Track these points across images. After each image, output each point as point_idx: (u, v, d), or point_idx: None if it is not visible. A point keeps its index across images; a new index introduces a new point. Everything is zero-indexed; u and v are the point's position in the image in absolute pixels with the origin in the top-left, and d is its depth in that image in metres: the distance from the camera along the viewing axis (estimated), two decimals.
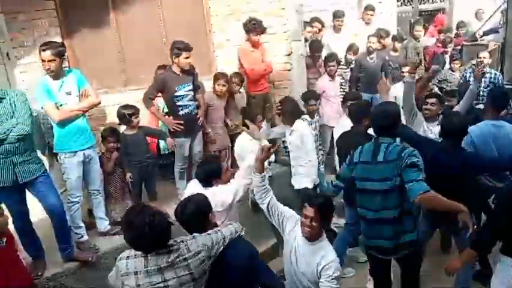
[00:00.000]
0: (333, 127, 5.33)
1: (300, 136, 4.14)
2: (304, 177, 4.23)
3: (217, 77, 4.93)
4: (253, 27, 5.09)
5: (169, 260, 2.21)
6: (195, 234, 2.39)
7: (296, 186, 4.32)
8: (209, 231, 2.44)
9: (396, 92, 5.22)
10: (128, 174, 4.26)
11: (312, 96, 5.09)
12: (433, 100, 4.10)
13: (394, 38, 6.76)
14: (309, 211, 2.64)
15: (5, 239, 2.94)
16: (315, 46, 6.09)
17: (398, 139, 3.28)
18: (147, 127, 4.61)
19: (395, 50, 6.70)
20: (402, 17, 9.14)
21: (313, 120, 5.10)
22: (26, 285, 3.08)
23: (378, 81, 4.84)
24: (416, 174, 2.76)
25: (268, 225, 5.04)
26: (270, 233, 5.04)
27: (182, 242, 2.30)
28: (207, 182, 3.19)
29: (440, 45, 7.50)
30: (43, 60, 3.55)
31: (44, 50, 3.52)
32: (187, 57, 4.30)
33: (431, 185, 2.76)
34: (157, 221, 2.16)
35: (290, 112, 4.22)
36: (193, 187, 3.22)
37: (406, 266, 3.12)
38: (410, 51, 7.01)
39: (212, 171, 3.22)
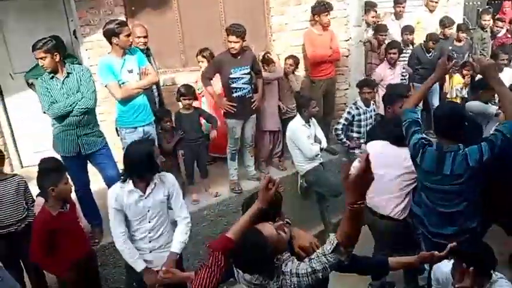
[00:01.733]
0: None
1: None
2: None
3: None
4: (323, 8, 5.06)
5: None
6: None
7: None
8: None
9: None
10: (181, 152, 4.37)
11: (366, 83, 4.96)
12: None
13: (459, 28, 6.41)
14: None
15: (68, 205, 3.13)
16: (381, 30, 5.93)
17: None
18: (202, 109, 4.70)
19: (459, 40, 6.37)
20: (470, 5, 8.63)
21: (368, 109, 4.99)
22: (85, 251, 3.27)
23: None
24: (497, 133, 2.62)
25: (317, 212, 5.06)
26: (317, 219, 5.04)
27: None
28: None
29: (510, 35, 7.03)
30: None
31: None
32: (233, 41, 4.24)
33: None
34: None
35: None
36: None
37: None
38: (476, 41, 6.63)
39: None
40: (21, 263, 3.53)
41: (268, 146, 5.02)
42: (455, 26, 6.41)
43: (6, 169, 4.13)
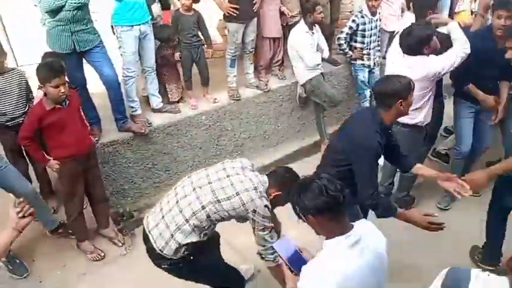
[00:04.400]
0: (392, 32, 5.02)
1: None
2: None
3: None
4: None
5: None
6: None
7: None
8: None
9: None
10: (177, 54, 4.27)
11: None
12: None
13: None
14: None
15: (68, 102, 3.13)
16: None
17: None
18: (202, 17, 4.47)
19: None
20: None
21: (374, 18, 4.81)
22: (84, 147, 3.33)
23: None
24: None
25: (313, 122, 5.11)
26: (313, 129, 5.11)
27: None
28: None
29: None
30: None
31: None
32: None
33: None
34: None
35: None
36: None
37: None
38: None
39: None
40: (27, 158, 3.63)
41: (269, 54, 4.89)
42: None
43: None
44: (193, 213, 2.30)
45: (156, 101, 4.25)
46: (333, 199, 1.63)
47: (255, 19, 4.49)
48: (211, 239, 2.56)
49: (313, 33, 4.56)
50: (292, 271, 1.83)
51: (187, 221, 2.31)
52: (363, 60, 4.99)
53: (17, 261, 3.35)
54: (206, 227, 2.35)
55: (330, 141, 3.26)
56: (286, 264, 1.89)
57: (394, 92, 2.49)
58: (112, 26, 3.91)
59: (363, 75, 5.05)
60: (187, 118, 4.30)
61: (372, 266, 1.68)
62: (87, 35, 3.53)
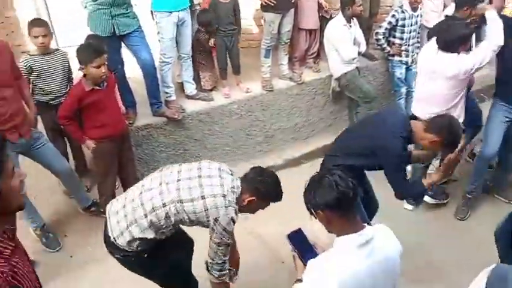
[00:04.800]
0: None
1: None
2: None
3: None
4: None
5: None
6: None
7: None
8: None
9: None
10: (212, 40, 4.29)
11: None
12: None
13: None
14: None
15: (105, 83, 3.21)
16: None
17: None
18: (239, 5, 4.47)
19: None
20: None
21: (415, 14, 4.68)
22: (120, 129, 3.41)
23: None
24: None
25: (345, 118, 5.05)
26: (345, 125, 5.04)
27: None
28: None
29: None
30: None
31: None
32: None
33: None
34: None
35: None
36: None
37: None
38: None
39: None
40: (65, 138, 3.76)
41: (304, 46, 4.85)
42: None
43: None
44: (153, 208, 2.16)
45: (191, 88, 4.30)
46: (343, 195, 1.59)
47: (292, 10, 4.45)
48: (178, 243, 2.47)
49: (350, 26, 4.48)
50: (305, 264, 1.82)
51: (145, 215, 2.16)
52: (400, 56, 4.86)
53: (51, 235, 3.48)
54: (164, 226, 2.19)
55: (349, 130, 3.19)
56: (299, 256, 1.87)
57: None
58: (151, 11, 3.97)
59: (400, 72, 4.93)
60: (220, 106, 4.33)
61: (381, 268, 1.63)
62: (127, 19, 3.60)
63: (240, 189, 2.20)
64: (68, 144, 3.81)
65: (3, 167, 1.25)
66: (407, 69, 4.94)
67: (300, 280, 1.71)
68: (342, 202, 1.59)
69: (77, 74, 3.46)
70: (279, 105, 4.69)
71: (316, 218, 1.68)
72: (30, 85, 3.42)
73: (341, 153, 2.71)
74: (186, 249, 2.62)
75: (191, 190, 2.14)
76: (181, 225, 2.35)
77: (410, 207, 3.91)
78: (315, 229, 1.84)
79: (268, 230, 3.44)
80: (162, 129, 4.04)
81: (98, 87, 3.16)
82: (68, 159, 3.68)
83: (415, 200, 3.77)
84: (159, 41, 3.98)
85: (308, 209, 1.70)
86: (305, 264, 1.72)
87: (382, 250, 1.64)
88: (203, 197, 2.12)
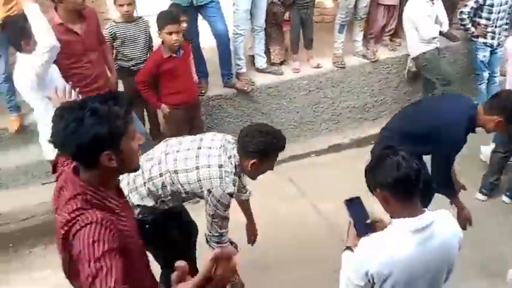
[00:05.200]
0: None
1: None
2: None
3: None
4: None
5: None
6: None
7: None
8: None
9: None
10: (287, 13, 4.26)
11: None
12: None
13: None
14: None
15: (181, 52, 3.33)
16: None
17: None
18: None
19: None
20: None
21: None
22: (192, 97, 3.54)
23: None
24: None
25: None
26: None
27: None
28: None
29: None
30: None
31: None
32: None
33: None
34: None
35: None
36: None
37: None
38: None
39: None
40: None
41: (381, 22, 4.66)
42: None
43: None
44: (151, 177, 2.17)
45: (261, 61, 4.33)
46: (403, 177, 1.54)
47: None
48: (180, 226, 2.46)
49: (433, 3, 4.24)
50: (358, 234, 1.79)
51: (144, 183, 2.18)
52: (485, 38, 4.53)
53: None
54: (162, 196, 2.20)
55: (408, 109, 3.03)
56: (354, 224, 1.85)
57: None
58: None
59: (483, 55, 4.60)
60: (289, 81, 4.34)
61: (436, 253, 1.58)
62: None
63: (237, 157, 2.15)
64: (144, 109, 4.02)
65: (128, 128, 1.33)
66: (492, 52, 4.59)
67: (349, 248, 1.70)
68: (402, 184, 1.55)
69: (156, 41, 3.62)
70: (349, 83, 4.59)
71: (373, 194, 1.66)
72: (114, 51, 3.64)
73: (395, 134, 2.66)
74: (186, 234, 2.58)
75: (187, 161, 2.14)
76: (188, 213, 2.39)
77: (483, 197, 3.73)
78: (375, 209, 1.83)
79: (328, 206, 3.44)
80: (232, 101, 4.14)
81: (174, 55, 3.29)
82: (144, 123, 3.90)
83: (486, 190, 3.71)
84: (234, 12, 4.03)
85: (368, 186, 1.68)
86: (358, 234, 1.72)
87: (440, 235, 1.59)
88: (197, 168, 2.11)
